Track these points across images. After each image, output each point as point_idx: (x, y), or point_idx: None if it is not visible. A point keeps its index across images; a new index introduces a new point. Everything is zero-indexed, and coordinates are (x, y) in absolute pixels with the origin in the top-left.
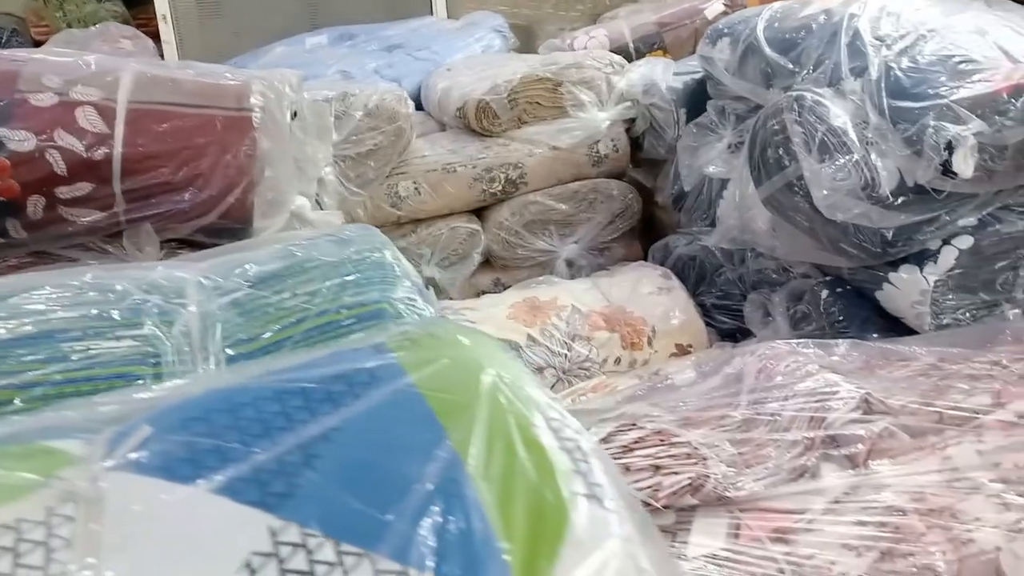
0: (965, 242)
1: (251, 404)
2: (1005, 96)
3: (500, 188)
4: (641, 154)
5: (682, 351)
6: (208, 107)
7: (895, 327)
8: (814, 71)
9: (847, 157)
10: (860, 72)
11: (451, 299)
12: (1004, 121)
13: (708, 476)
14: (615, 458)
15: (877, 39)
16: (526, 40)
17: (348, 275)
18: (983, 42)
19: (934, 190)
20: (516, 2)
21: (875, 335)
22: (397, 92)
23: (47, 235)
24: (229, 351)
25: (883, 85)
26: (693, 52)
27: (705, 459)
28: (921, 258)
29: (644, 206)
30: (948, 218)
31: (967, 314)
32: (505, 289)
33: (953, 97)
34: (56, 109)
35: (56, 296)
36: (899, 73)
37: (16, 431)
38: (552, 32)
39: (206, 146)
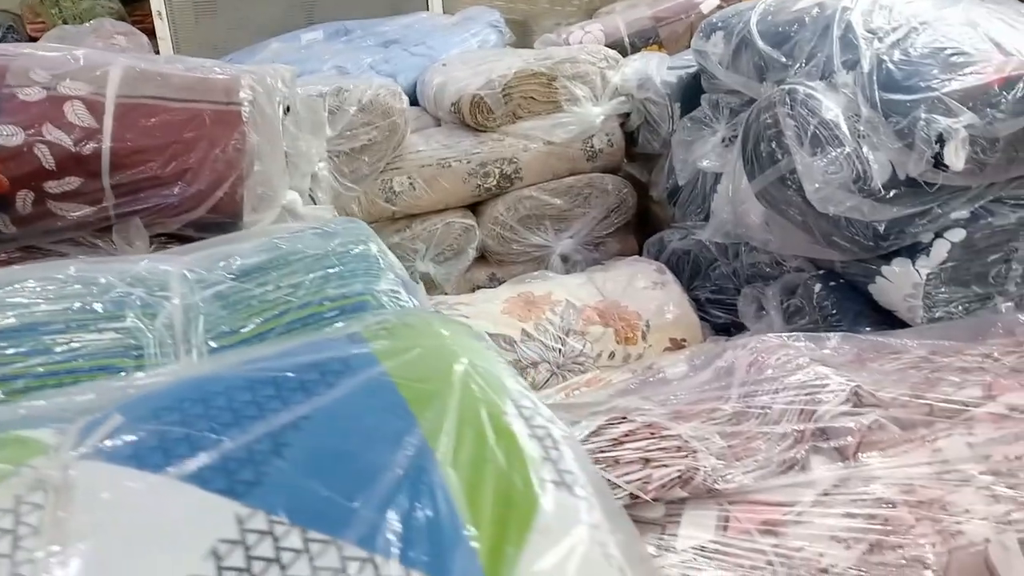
0: (957, 235)
1: (223, 393)
2: (996, 89)
3: (495, 183)
4: (636, 149)
5: (676, 345)
6: (197, 101)
7: (888, 320)
8: (807, 64)
9: (839, 150)
10: (852, 65)
11: (446, 294)
12: (995, 114)
13: (698, 469)
14: (605, 451)
15: (869, 32)
16: (522, 35)
17: (331, 267)
18: (975, 35)
19: (926, 183)
20: None
21: (868, 328)
22: (391, 87)
23: (36, 230)
24: (212, 343)
25: (875, 78)
26: (688, 47)
27: (695, 452)
28: (913, 251)
29: (639, 201)
30: (940, 211)
31: (959, 307)
32: (500, 284)
33: (945, 90)
34: (44, 104)
35: (40, 289)
36: (891, 66)
37: None
38: (548, 27)
39: (195, 140)
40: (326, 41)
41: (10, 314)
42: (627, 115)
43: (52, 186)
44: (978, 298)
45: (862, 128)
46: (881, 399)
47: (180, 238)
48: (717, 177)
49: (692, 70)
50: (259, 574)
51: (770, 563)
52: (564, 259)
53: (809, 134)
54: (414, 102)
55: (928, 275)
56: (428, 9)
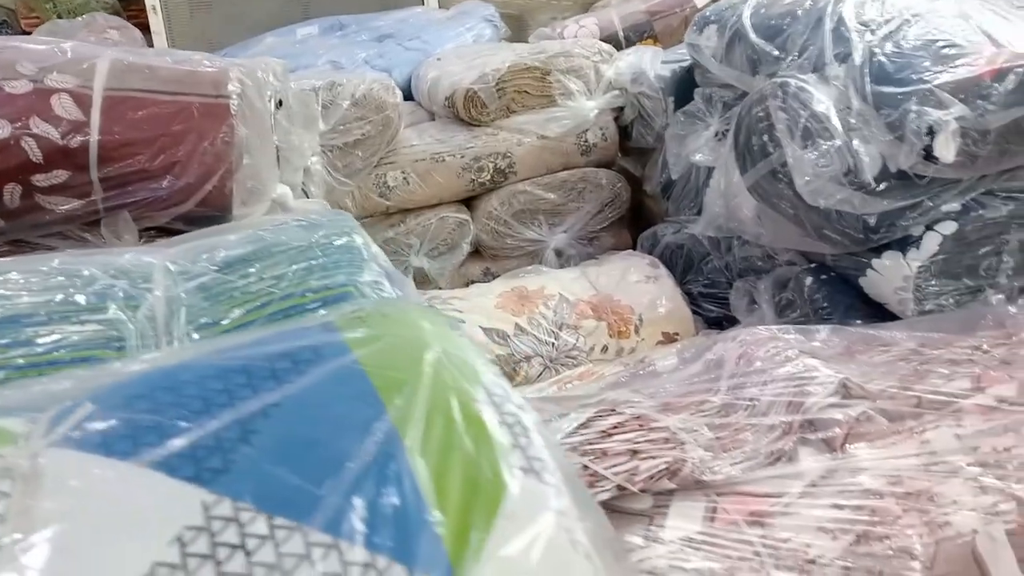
0: (948, 228)
1: (195, 381)
2: (988, 80)
3: (489, 177)
4: (630, 143)
5: (669, 339)
6: (185, 94)
7: (879, 313)
8: (799, 57)
9: (830, 143)
10: (844, 58)
11: (440, 288)
12: (986, 105)
13: (685, 460)
14: (593, 443)
15: (862, 24)
16: (518, 29)
17: (315, 259)
18: (967, 26)
19: (917, 175)
20: None
21: (859, 321)
22: (385, 81)
23: (24, 223)
24: (194, 335)
25: (866, 70)
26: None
27: (683, 444)
28: (904, 244)
29: (633, 195)
30: (931, 204)
31: (950, 300)
32: (494, 279)
33: (936, 82)
34: (31, 96)
35: (23, 281)
36: (882, 58)
37: None
38: (544, 21)
39: (183, 133)
40: (321, 36)
41: None
42: (621, 109)
43: (39, 179)
44: (969, 291)
45: (853, 121)
46: (869, 391)
47: (169, 232)
48: (710, 171)
49: (686, 64)
50: (224, 560)
51: (757, 554)
52: (558, 253)
53: (800, 127)
54: (409, 97)
55: (919, 268)
56: (423, 3)
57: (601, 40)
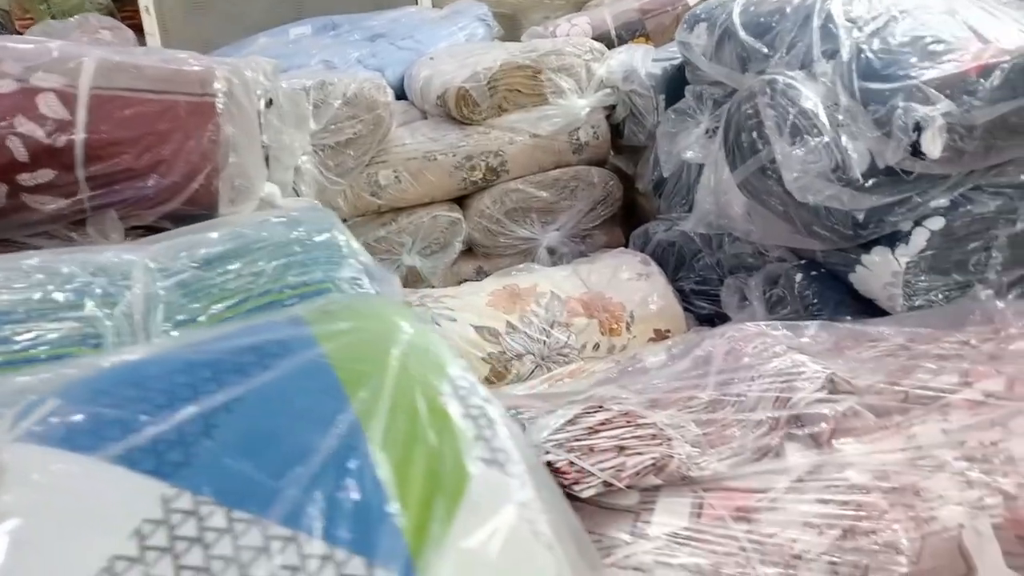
0: (937, 223)
1: (161, 376)
2: (974, 76)
3: (481, 176)
4: (621, 141)
5: (660, 336)
6: (171, 93)
7: (869, 309)
8: (787, 54)
9: (818, 139)
10: (832, 54)
11: (433, 287)
12: (973, 101)
13: (672, 456)
14: (580, 439)
15: (849, 21)
16: (510, 29)
17: (293, 255)
18: (954, 22)
19: (904, 171)
20: None
21: (848, 317)
22: (376, 80)
23: (11, 223)
24: (172, 332)
25: (854, 67)
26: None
27: (670, 440)
28: (893, 240)
29: (625, 193)
30: (919, 199)
31: (939, 295)
32: (487, 277)
33: (923, 78)
34: (16, 96)
35: (2, 279)
36: (870, 55)
37: None
38: (536, 20)
39: (169, 132)
40: (314, 36)
41: None
42: (613, 107)
43: (26, 179)
44: (958, 286)
45: (841, 117)
46: (856, 386)
47: (156, 231)
48: (701, 168)
49: (677, 62)
50: (182, 553)
51: (743, 549)
52: (551, 252)
53: (788, 124)
54: (402, 96)
55: (907, 263)
56: (416, 3)
57: (593, 39)
